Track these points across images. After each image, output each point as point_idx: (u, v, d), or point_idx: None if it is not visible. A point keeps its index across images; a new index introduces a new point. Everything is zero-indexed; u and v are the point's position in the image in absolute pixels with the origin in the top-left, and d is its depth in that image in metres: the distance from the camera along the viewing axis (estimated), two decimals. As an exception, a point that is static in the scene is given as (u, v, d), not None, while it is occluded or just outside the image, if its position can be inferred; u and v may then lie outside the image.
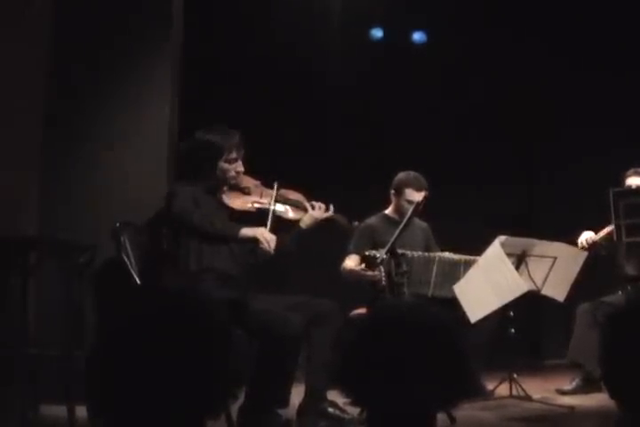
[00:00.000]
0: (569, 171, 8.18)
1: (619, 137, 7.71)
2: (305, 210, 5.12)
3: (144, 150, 5.97)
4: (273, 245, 4.84)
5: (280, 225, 5.01)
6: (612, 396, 1.99)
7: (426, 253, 5.87)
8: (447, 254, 5.85)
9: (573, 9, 7.97)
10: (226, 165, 4.95)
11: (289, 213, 5.10)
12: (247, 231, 4.87)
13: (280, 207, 5.05)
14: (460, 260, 5.76)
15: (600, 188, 5.76)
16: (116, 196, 5.84)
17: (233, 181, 4.99)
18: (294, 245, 5.05)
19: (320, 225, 5.15)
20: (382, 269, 5.57)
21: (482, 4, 8.18)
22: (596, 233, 6.28)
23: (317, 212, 5.11)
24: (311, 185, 5.34)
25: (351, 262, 5.95)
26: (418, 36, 8.62)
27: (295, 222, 5.08)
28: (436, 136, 8.15)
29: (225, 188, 5.01)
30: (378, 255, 5.50)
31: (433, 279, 5.75)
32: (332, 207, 5.21)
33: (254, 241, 4.86)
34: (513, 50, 8.13)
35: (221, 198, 5.00)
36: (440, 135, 8.16)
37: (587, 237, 6.27)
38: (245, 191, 5.04)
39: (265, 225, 4.92)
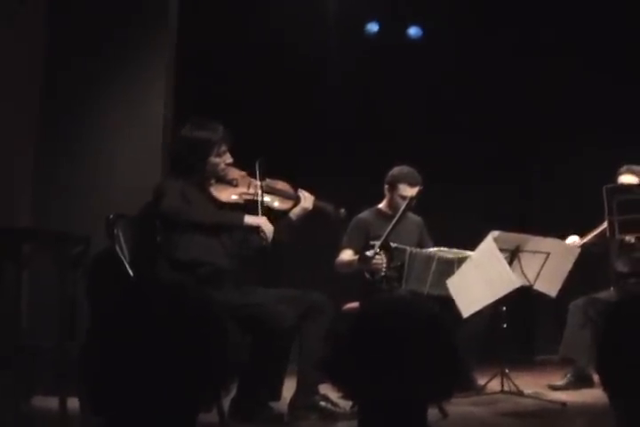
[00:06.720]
0: (564, 168, 8.18)
1: (613, 135, 7.71)
2: (292, 199, 5.13)
3: (138, 144, 5.98)
4: (270, 235, 4.89)
5: (269, 216, 5.02)
6: (605, 389, 1.99)
7: (426, 250, 5.87)
8: (442, 250, 5.85)
9: (571, 6, 7.96)
10: (217, 160, 4.96)
11: (277, 203, 5.10)
12: (249, 219, 4.90)
13: (268, 198, 5.06)
14: (455, 258, 5.75)
15: (595, 185, 5.77)
16: (110, 188, 5.85)
17: (222, 173, 5.00)
18: (286, 236, 5.06)
19: (308, 215, 5.16)
20: (384, 258, 5.57)
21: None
22: (581, 236, 6.28)
23: (306, 201, 5.13)
24: (307, 180, 5.34)
25: (346, 256, 5.96)
26: (414, 31, 8.61)
27: (284, 212, 5.09)
28: (431, 131, 8.15)
29: (212, 180, 5.02)
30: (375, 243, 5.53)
31: (430, 277, 5.75)
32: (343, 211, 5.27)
33: (256, 229, 4.89)
34: (509, 46, 8.13)
35: (210, 192, 5.00)
36: (435, 130, 8.16)
37: (571, 241, 6.25)
38: (233, 183, 5.04)
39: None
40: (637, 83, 7.78)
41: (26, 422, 4.80)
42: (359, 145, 8.20)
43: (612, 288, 6.38)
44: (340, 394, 2.05)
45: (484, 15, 8.16)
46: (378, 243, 5.55)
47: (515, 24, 8.14)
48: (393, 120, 8.21)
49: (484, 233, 5.41)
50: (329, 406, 4.91)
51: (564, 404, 5.44)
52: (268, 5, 7.77)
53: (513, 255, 5.49)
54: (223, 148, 4.95)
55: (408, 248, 5.76)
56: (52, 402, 4.71)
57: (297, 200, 5.13)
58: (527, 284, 5.51)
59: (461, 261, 5.62)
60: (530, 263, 5.53)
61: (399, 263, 5.71)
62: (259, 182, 5.02)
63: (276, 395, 4.85)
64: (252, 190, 5.03)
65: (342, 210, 5.32)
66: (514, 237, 5.53)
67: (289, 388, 4.98)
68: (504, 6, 8.10)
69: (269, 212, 5.05)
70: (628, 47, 7.90)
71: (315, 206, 5.16)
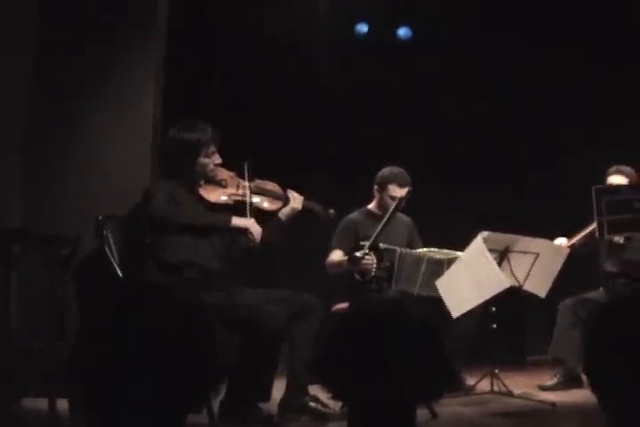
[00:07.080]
0: (556, 168, 8.18)
1: (604, 136, 7.71)
2: (281, 199, 5.13)
3: (128, 145, 5.99)
4: (258, 237, 4.88)
5: (258, 216, 5.02)
6: (594, 391, 2.00)
7: (416, 251, 5.87)
8: (432, 251, 5.85)
9: (561, 4, 7.96)
10: (205, 160, 4.96)
11: (266, 203, 5.10)
12: (237, 221, 4.90)
13: (257, 199, 5.06)
14: (445, 259, 5.75)
15: (586, 186, 5.78)
16: (100, 189, 5.85)
17: (211, 174, 5.00)
18: (275, 237, 5.06)
19: (297, 215, 5.16)
20: (374, 259, 5.57)
21: None
22: (569, 238, 6.28)
23: (295, 202, 5.12)
24: (296, 180, 5.34)
25: (335, 257, 5.96)
26: (403, 32, 8.61)
27: (273, 213, 5.09)
28: (421, 132, 8.14)
29: (201, 181, 5.01)
30: (365, 244, 5.52)
31: (420, 278, 5.75)
32: (332, 211, 5.27)
33: (244, 230, 4.89)
34: (499, 46, 8.12)
35: (199, 192, 5.00)
36: (426, 131, 8.15)
37: (559, 243, 6.26)
38: (222, 184, 5.04)
39: (245, 217, 4.94)
40: (631, 82, 7.79)
41: (15, 424, 4.79)
42: (349, 145, 8.18)
43: (601, 288, 6.39)
44: (330, 395, 2.04)
45: (476, 14, 8.15)
46: (367, 243, 5.55)
47: (509, 24, 8.13)
48: (383, 120, 8.20)
49: (473, 233, 5.42)
50: (319, 406, 4.91)
51: (553, 404, 5.45)
52: (258, 6, 7.76)
53: (502, 256, 5.50)
54: (212, 148, 4.95)
55: (398, 249, 5.76)
56: (42, 403, 4.70)
57: (286, 201, 5.12)
58: (517, 284, 5.52)
59: (451, 261, 5.62)
60: (519, 264, 5.54)
61: (389, 264, 5.70)
62: (247, 183, 5.02)
63: (266, 396, 4.85)
64: (241, 191, 5.03)
65: (332, 210, 5.32)
66: (503, 238, 5.53)
67: (279, 389, 4.98)
68: (497, 5, 8.09)
69: (258, 212, 5.05)
70: (627, 47, 7.90)
71: (304, 207, 5.16)
